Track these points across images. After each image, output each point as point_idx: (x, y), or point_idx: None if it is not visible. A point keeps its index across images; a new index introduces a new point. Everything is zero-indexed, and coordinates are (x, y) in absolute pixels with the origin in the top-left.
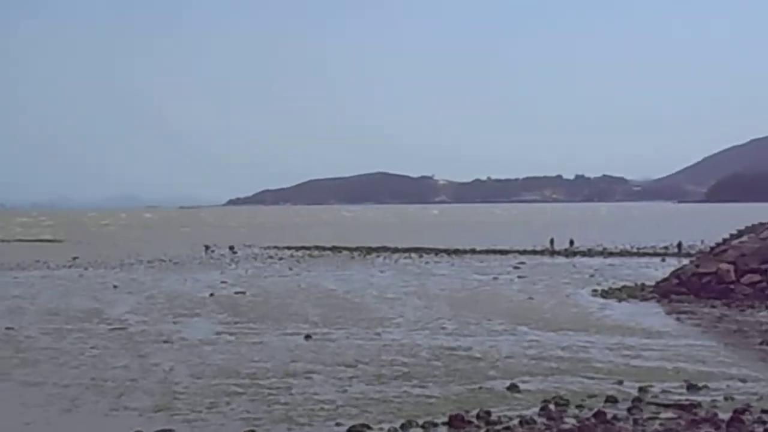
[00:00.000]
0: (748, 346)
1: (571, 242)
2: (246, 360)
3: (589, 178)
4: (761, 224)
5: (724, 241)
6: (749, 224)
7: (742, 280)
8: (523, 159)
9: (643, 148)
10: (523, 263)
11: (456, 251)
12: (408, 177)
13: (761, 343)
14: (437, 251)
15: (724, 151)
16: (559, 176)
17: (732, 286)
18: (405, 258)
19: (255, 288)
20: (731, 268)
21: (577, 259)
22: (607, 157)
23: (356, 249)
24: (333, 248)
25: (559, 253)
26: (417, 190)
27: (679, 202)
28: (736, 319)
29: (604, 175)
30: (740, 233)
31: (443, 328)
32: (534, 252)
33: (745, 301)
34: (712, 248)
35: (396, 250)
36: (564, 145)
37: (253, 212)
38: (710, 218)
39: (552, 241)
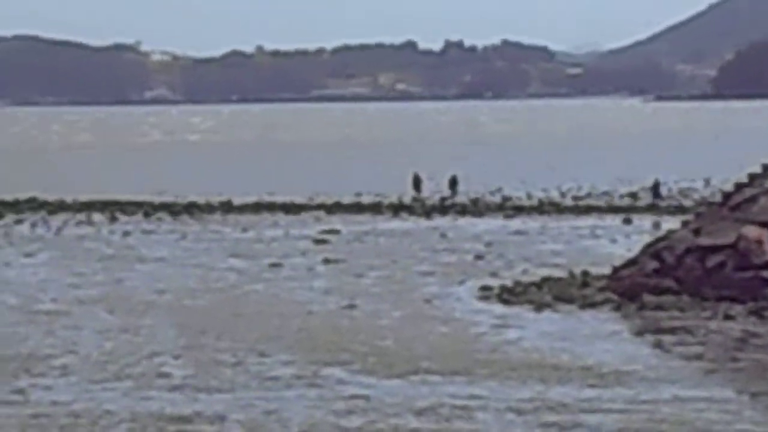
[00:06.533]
0: None
1: (454, 183)
2: None
3: (473, 49)
4: None
5: (752, 179)
6: None
7: None
8: (320, 15)
9: None
10: (334, 231)
11: (190, 208)
12: (87, 47)
13: None
14: (150, 208)
15: None
16: (410, 44)
17: (767, 274)
18: (80, 223)
19: None
20: (765, 235)
21: (451, 221)
22: (512, 9)
23: None
24: None
25: (413, 208)
26: (105, 75)
27: (659, 98)
28: None
29: (505, 42)
30: None
31: (164, 375)
32: (359, 207)
33: None
34: (725, 195)
35: (61, 208)
36: None
37: None
38: (721, 131)
39: (416, 181)
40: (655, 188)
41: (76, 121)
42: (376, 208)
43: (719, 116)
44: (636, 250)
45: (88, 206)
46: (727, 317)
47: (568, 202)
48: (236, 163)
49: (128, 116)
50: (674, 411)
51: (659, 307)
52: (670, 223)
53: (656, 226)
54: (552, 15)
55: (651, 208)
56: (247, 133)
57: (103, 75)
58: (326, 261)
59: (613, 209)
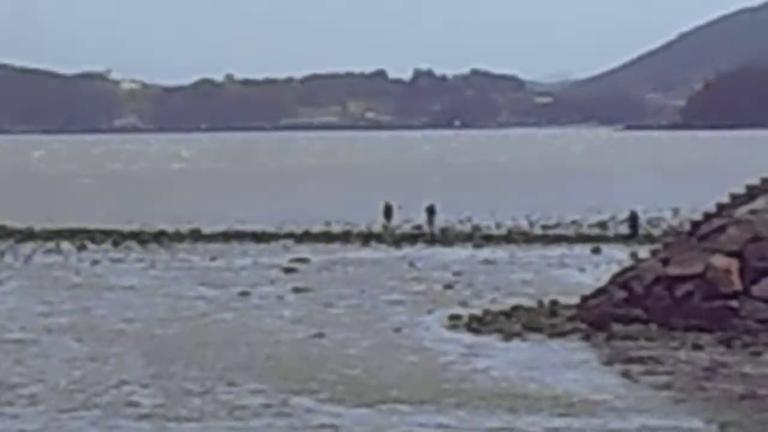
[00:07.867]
0: None
1: (431, 212)
2: None
3: (443, 79)
4: None
5: (720, 209)
6: None
7: (755, 289)
8: (290, 44)
9: (553, 23)
10: (303, 260)
11: (159, 237)
12: (57, 75)
13: None
14: (118, 236)
15: (709, 24)
16: (380, 73)
17: (735, 304)
18: (47, 251)
19: None
20: (734, 265)
21: (421, 251)
22: (481, 38)
23: None
24: None
25: (383, 237)
26: (75, 104)
27: (628, 127)
28: (743, 372)
29: (474, 71)
30: (751, 193)
31: (133, 404)
32: (329, 236)
33: (761, 334)
34: (694, 225)
35: (29, 236)
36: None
37: None
38: (691, 162)
39: (388, 210)
40: (633, 220)
41: (56, 150)
42: (345, 237)
43: (688, 146)
44: (605, 279)
45: (57, 234)
46: (696, 347)
47: (538, 231)
48: (207, 192)
49: (104, 144)
50: None
51: (628, 337)
52: (640, 252)
53: (633, 256)
54: (522, 44)
55: (620, 238)
56: (227, 162)
57: (74, 103)
58: (295, 290)
59: (582, 238)
